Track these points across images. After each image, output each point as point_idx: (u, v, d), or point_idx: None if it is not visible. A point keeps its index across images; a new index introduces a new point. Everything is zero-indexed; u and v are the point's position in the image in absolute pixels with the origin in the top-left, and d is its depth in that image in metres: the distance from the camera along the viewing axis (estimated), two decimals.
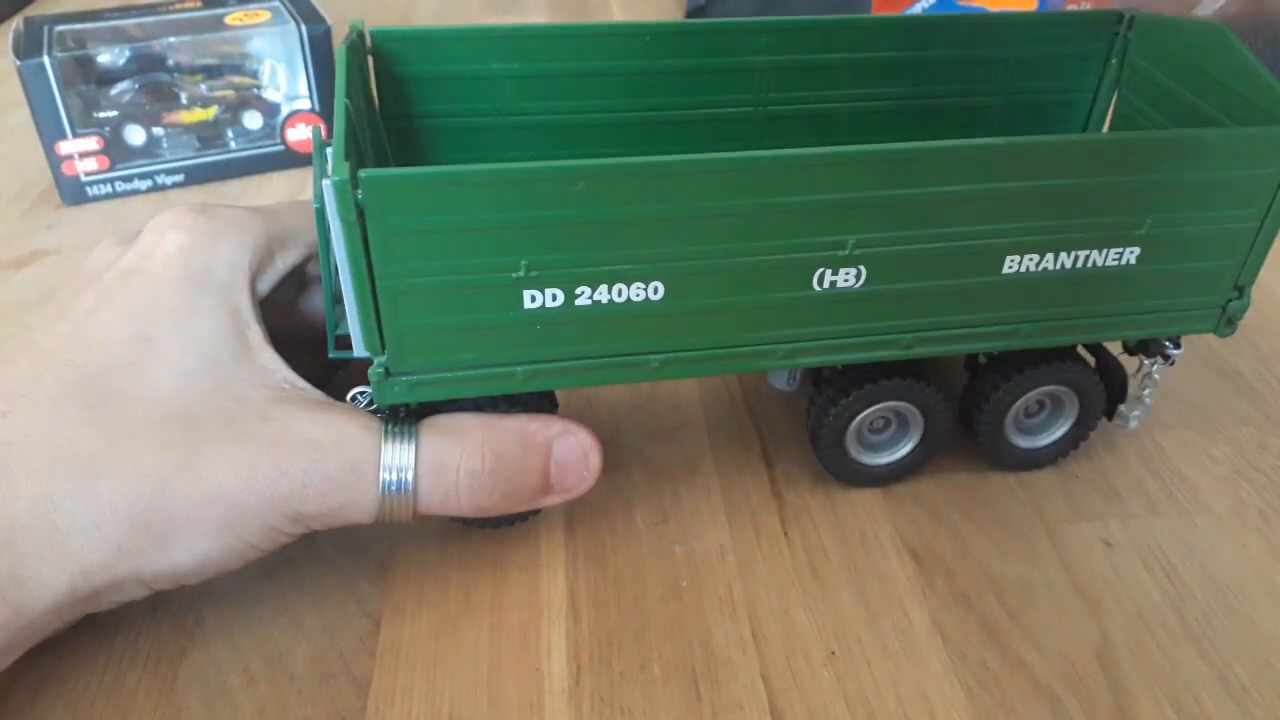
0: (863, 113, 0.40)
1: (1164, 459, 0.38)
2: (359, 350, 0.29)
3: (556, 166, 0.26)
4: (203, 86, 0.57)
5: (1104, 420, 0.37)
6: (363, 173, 0.25)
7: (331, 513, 0.28)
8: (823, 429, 0.34)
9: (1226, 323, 0.33)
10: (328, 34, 0.57)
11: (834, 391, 0.34)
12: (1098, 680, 0.30)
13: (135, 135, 0.56)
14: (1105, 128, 0.41)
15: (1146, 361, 0.36)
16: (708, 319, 0.30)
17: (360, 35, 0.34)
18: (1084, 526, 0.35)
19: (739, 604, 0.32)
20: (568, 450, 0.31)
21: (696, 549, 0.34)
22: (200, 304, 0.29)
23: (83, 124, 0.55)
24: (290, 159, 0.60)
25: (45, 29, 0.56)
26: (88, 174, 0.56)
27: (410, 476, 0.29)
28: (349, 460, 0.28)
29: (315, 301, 0.35)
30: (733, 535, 0.35)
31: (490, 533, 0.35)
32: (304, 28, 0.57)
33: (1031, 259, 0.30)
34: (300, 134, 0.60)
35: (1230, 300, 0.33)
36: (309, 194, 0.56)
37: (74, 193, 0.56)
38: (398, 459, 0.29)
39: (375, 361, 0.29)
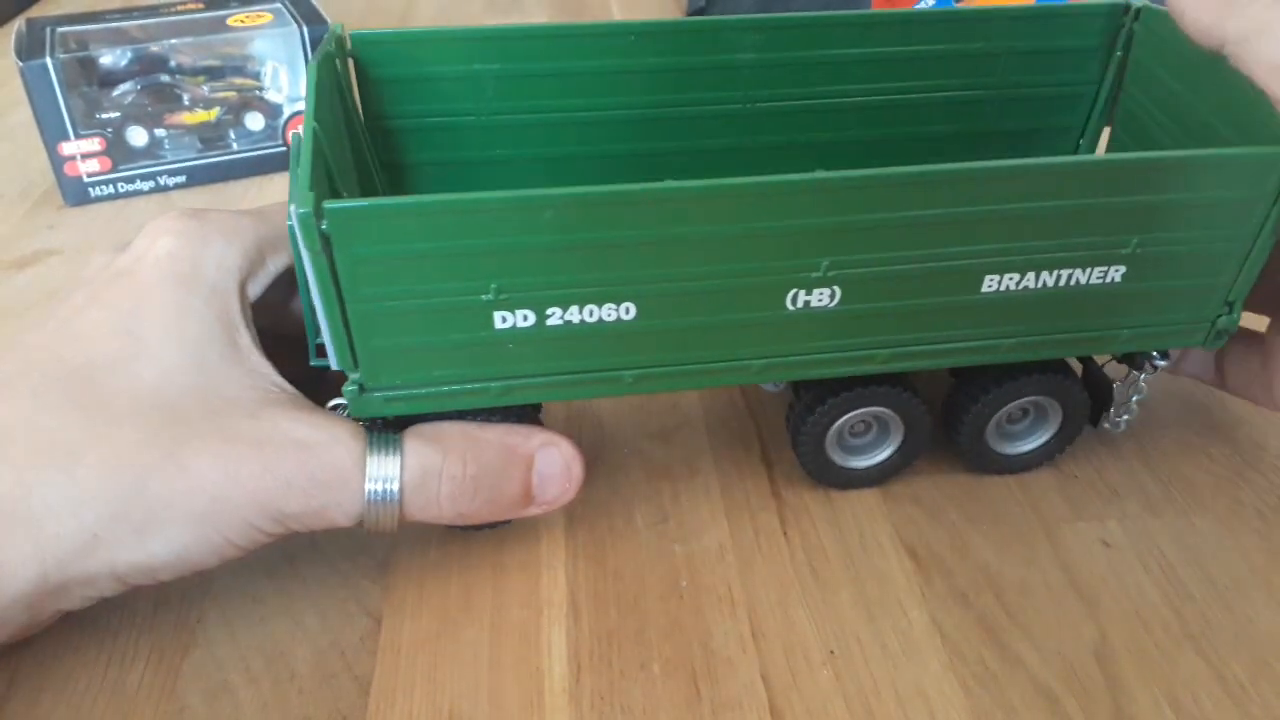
0: (856, 109, 0.39)
1: (1163, 459, 0.38)
2: (334, 364, 0.29)
3: (522, 196, 0.26)
4: (205, 88, 0.58)
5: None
6: (327, 204, 0.25)
7: (314, 514, 0.28)
8: (802, 433, 0.34)
9: (1215, 336, 0.33)
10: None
11: (813, 397, 0.34)
12: (1096, 679, 0.30)
13: (137, 136, 0.57)
14: (1108, 124, 0.41)
15: (1133, 372, 0.35)
16: (680, 337, 0.30)
17: (339, 40, 0.34)
18: (1082, 526, 0.35)
19: (738, 603, 0.32)
20: (549, 462, 0.32)
21: (696, 549, 0.34)
22: (190, 305, 0.29)
23: (85, 125, 0.55)
24: None
25: (47, 30, 0.56)
26: (90, 175, 0.56)
27: (396, 486, 0.29)
28: (335, 463, 0.28)
29: None
30: (732, 535, 0.35)
31: (490, 533, 0.35)
32: (305, 29, 0.57)
33: (1012, 278, 0.30)
34: None
35: (1220, 315, 0.32)
36: None
37: (76, 193, 0.56)
38: (383, 469, 0.29)
39: (350, 377, 0.29)
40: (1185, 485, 0.37)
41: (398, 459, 0.29)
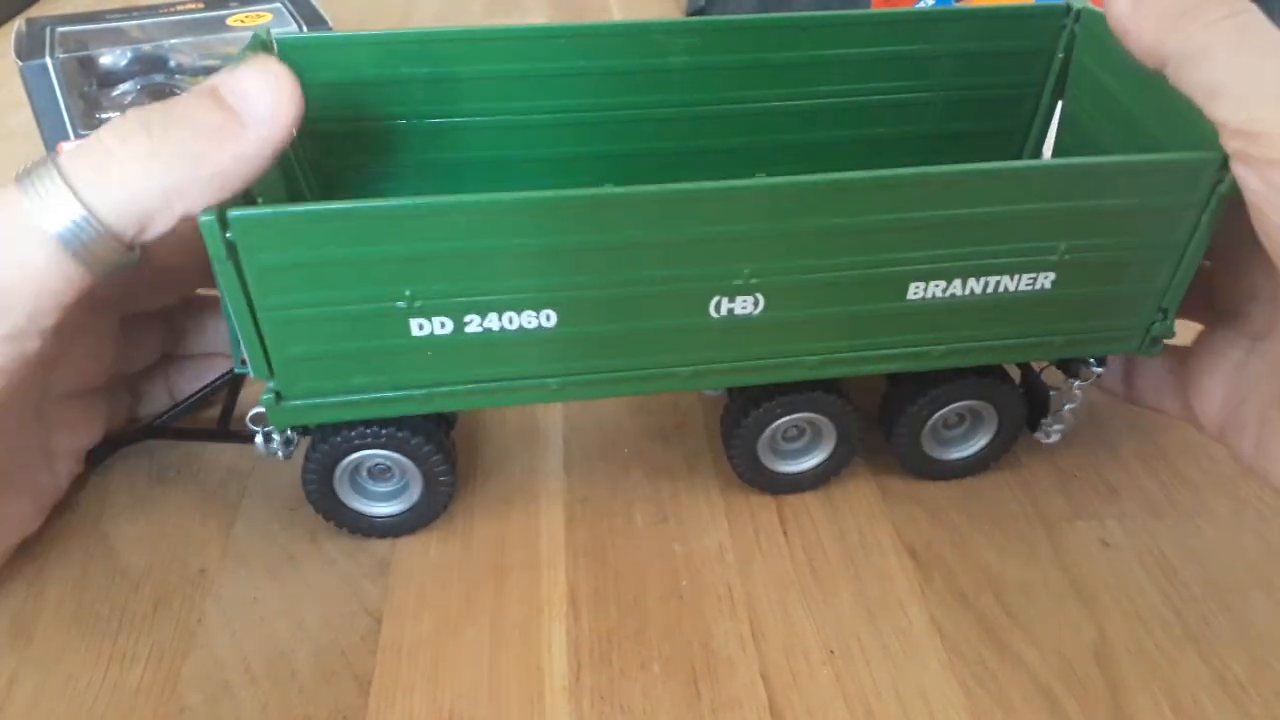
0: (798, 112, 0.39)
1: (1163, 459, 0.38)
2: (251, 373, 0.28)
3: (430, 203, 0.26)
4: None
5: (1102, 422, 0.37)
6: (231, 213, 0.25)
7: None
8: (734, 438, 0.34)
9: (1151, 343, 0.32)
10: None
11: (745, 402, 0.34)
12: (1095, 679, 0.30)
13: None
14: (1052, 127, 0.40)
15: (1067, 380, 0.35)
16: (604, 344, 0.29)
17: (263, 44, 0.33)
18: (1082, 526, 0.35)
19: (738, 603, 0.32)
20: (238, 77, 0.26)
21: (696, 548, 0.34)
22: None
23: (85, 125, 0.55)
24: None
25: (47, 30, 0.56)
26: None
27: (76, 206, 0.25)
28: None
29: None
30: (732, 535, 0.35)
31: (491, 532, 0.35)
32: (305, 29, 0.57)
33: (938, 285, 0.30)
34: None
35: (1154, 322, 0.32)
36: None
37: None
38: (48, 201, 0.25)
39: (266, 386, 0.28)
40: (1186, 485, 0.37)
41: (56, 174, 0.25)
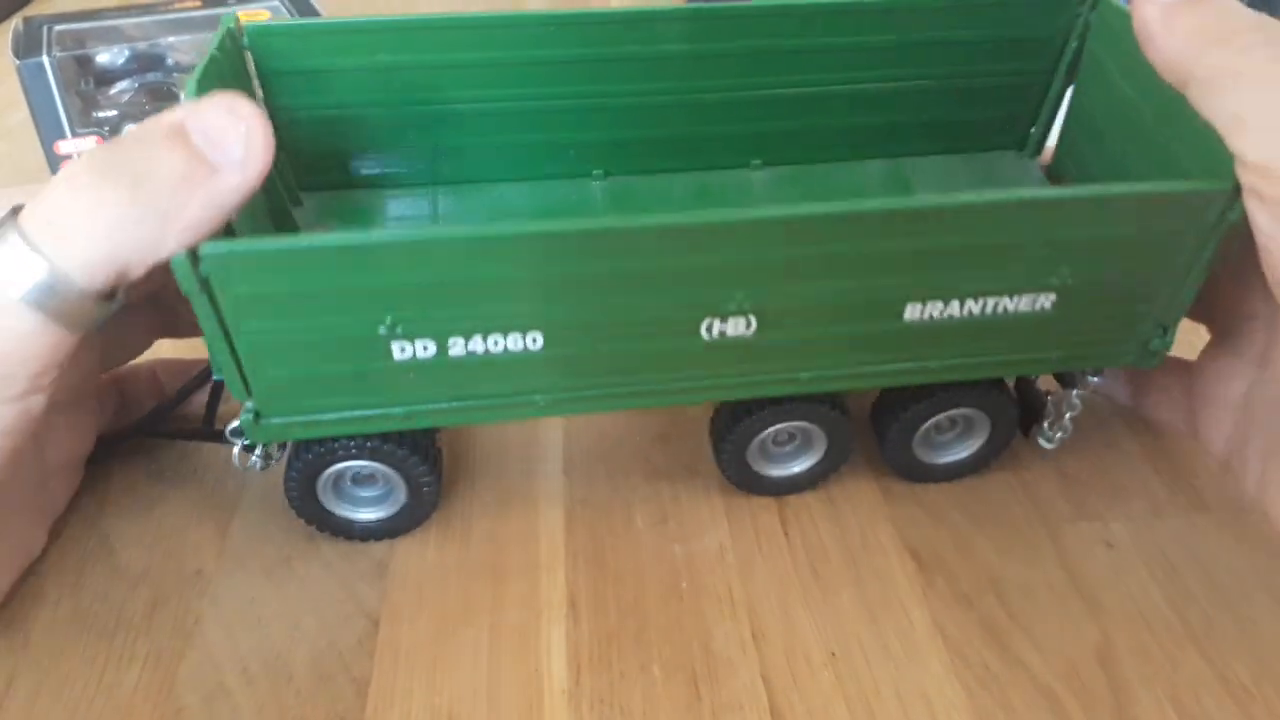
0: (802, 99, 0.38)
1: (1165, 459, 0.38)
2: (231, 393, 0.28)
3: (410, 237, 0.25)
4: None
5: (1113, 422, 0.36)
6: (203, 249, 0.24)
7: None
8: (725, 444, 0.34)
9: (1148, 356, 0.32)
10: None
11: (735, 409, 0.33)
12: (1098, 680, 0.30)
13: None
14: (1060, 118, 0.39)
15: (1066, 390, 0.35)
16: (593, 364, 0.29)
17: (231, 34, 0.32)
18: (1085, 527, 0.35)
19: (739, 604, 0.32)
20: (203, 114, 0.25)
21: (696, 549, 0.34)
22: None
23: (82, 123, 0.55)
24: None
25: (44, 28, 0.56)
26: None
27: (43, 270, 0.24)
28: None
29: None
30: (733, 535, 0.35)
31: (490, 534, 0.35)
32: None
33: (936, 306, 0.29)
34: None
35: (1153, 338, 0.31)
36: None
37: None
38: (15, 268, 0.24)
39: (245, 406, 0.28)
40: (1188, 486, 0.37)
41: (18, 237, 0.24)
